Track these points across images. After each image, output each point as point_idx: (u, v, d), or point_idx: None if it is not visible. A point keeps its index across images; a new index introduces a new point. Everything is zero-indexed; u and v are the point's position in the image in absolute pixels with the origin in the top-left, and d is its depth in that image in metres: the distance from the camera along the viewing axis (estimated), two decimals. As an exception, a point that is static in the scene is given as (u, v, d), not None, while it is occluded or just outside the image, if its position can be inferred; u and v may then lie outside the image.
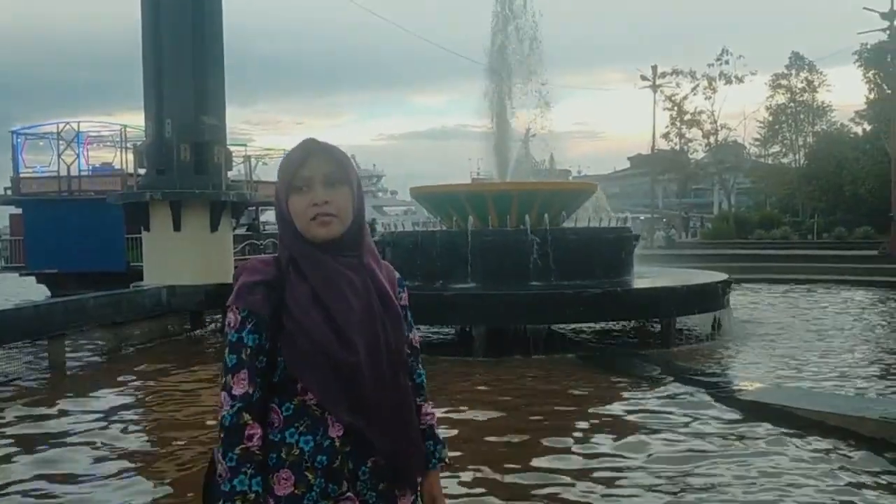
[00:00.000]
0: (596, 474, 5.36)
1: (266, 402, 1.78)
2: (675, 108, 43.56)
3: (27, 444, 6.40)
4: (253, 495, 1.71)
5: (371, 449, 1.77)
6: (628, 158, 71.19)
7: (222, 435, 1.75)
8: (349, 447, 1.76)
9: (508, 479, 5.28)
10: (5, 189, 23.39)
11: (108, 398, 8.28)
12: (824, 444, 5.80)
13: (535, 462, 5.63)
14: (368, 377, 1.75)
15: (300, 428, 1.75)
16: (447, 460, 2.04)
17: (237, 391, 1.74)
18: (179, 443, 6.45)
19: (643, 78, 43.15)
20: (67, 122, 23.18)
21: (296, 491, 1.73)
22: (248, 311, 1.76)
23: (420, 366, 2.03)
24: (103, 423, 7.12)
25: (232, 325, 1.78)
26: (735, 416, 6.75)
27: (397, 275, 1.99)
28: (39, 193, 22.59)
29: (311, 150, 1.83)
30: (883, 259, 23.42)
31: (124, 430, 6.89)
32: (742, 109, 48.57)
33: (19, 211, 22.89)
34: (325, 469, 1.74)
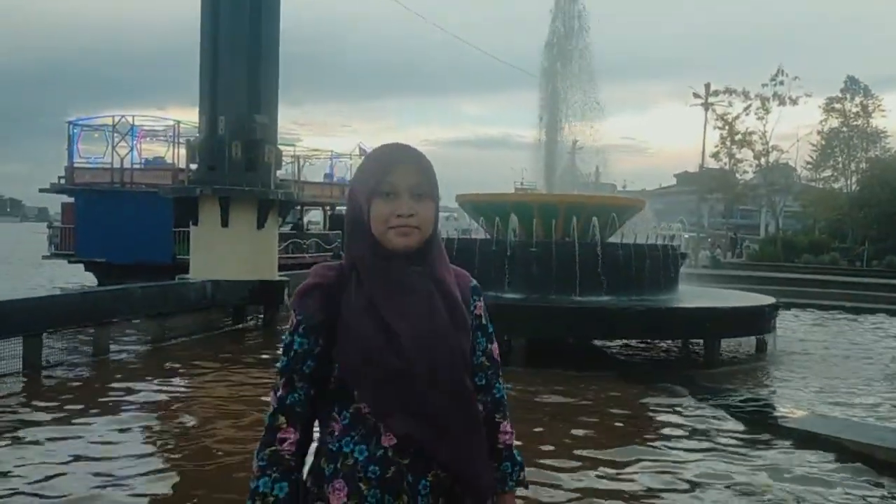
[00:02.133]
0: (630, 496, 5.29)
1: (314, 407, 1.76)
2: (727, 127, 42.98)
3: (66, 427, 6.52)
4: (272, 499, 1.70)
5: (431, 462, 1.72)
6: (675, 175, 70.48)
7: (262, 433, 1.76)
8: (407, 459, 1.70)
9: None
10: (59, 178, 23.88)
11: (149, 386, 8.41)
12: (871, 477, 5.66)
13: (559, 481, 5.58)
14: (423, 385, 1.70)
15: (355, 437, 1.72)
16: (526, 484, 1.96)
17: (280, 393, 1.75)
18: (211, 437, 6.51)
19: (696, 95, 42.70)
20: (122, 116, 23.62)
21: (349, 502, 1.69)
22: (303, 313, 1.76)
23: (500, 380, 1.94)
24: (142, 412, 7.23)
25: (290, 326, 1.78)
26: (777, 443, 6.62)
27: (473, 282, 1.93)
28: (92, 184, 23.02)
29: (400, 158, 1.79)
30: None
31: (162, 419, 6.99)
32: (795, 131, 47.77)
33: (72, 200, 23.37)
34: (378, 480, 1.69)
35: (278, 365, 1.78)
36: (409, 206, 1.75)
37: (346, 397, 1.74)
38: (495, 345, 1.94)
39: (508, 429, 1.93)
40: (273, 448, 1.72)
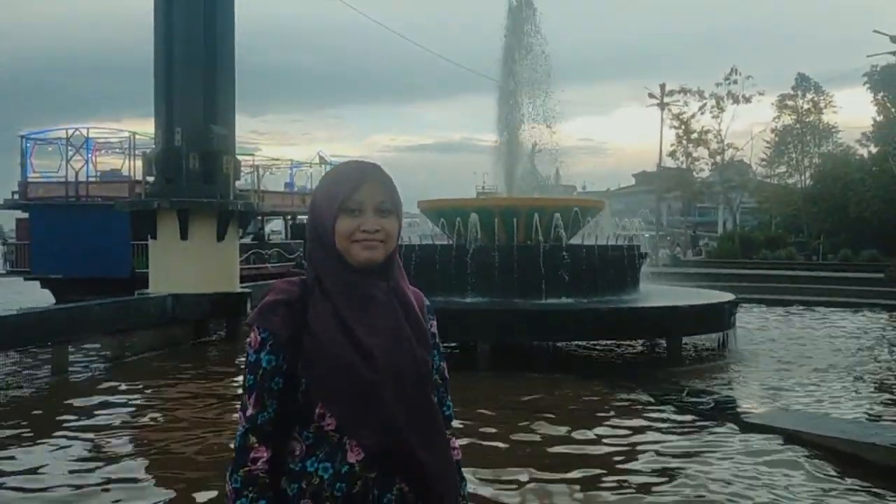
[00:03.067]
0: (598, 490, 5.32)
1: (283, 426, 1.75)
2: (683, 126, 43.60)
3: (24, 450, 6.38)
4: None
5: (396, 476, 1.73)
6: (633, 175, 71.28)
7: (233, 455, 1.74)
8: (374, 473, 1.71)
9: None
10: (13, 193, 23.40)
11: (108, 406, 8.26)
12: (832, 470, 5.75)
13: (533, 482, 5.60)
14: (392, 397, 1.71)
15: (320, 456, 1.72)
16: (468, 499, 1.98)
17: (248, 412, 1.73)
18: (176, 453, 6.42)
19: (651, 96, 43.27)
20: (76, 129, 23.23)
21: None
22: (268, 331, 1.74)
23: (449, 398, 1.98)
24: (100, 432, 7.09)
25: (252, 344, 1.76)
26: (741, 438, 6.71)
27: (427, 302, 1.96)
28: (46, 198, 22.62)
29: (366, 175, 1.81)
30: (890, 282, 23.32)
31: (119, 438, 6.87)
32: (749, 129, 48.63)
33: (26, 215, 22.92)
34: (345, 496, 1.70)
35: (245, 384, 1.76)
36: (375, 222, 1.78)
37: (308, 416, 1.73)
38: (445, 364, 1.97)
39: (456, 445, 1.96)
40: (246, 468, 1.71)
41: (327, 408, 1.72)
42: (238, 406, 1.79)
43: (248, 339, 1.79)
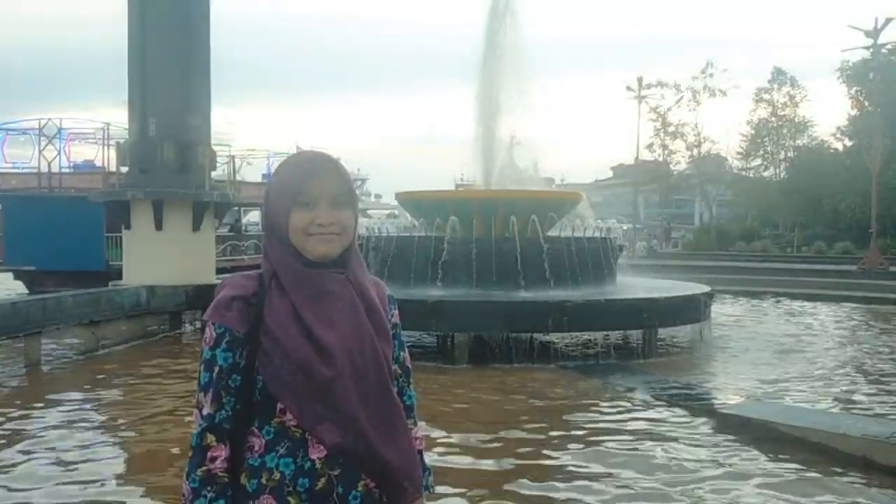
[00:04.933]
0: (576, 482, 5.34)
1: (241, 423, 1.71)
2: (660, 119, 43.81)
3: None
4: None
5: (360, 473, 1.71)
6: (611, 168, 71.51)
7: (189, 454, 1.71)
8: (337, 470, 1.69)
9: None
10: (-16, 184, 23.12)
11: (81, 398, 8.18)
12: (804, 460, 5.82)
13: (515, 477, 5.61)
14: (352, 393, 1.69)
15: (280, 451, 1.68)
16: (432, 489, 1.98)
17: (205, 411, 1.70)
18: (147, 446, 6.37)
19: (629, 89, 43.40)
20: (49, 119, 22.97)
21: None
22: (224, 327, 1.71)
23: (410, 387, 1.96)
24: (73, 423, 7.02)
25: (207, 341, 1.72)
26: (715, 429, 6.76)
27: (388, 292, 1.92)
28: (19, 189, 22.32)
29: (319, 168, 1.77)
30: (862, 274, 23.63)
31: (94, 430, 6.80)
32: (725, 122, 48.96)
33: (-2, 206, 22.60)
34: (308, 492, 1.66)
35: (200, 381, 1.72)
36: (330, 215, 1.74)
37: (269, 411, 1.70)
38: (407, 353, 1.96)
39: (418, 434, 1.94)
40: (205, 468, 1.67)
41: (285, 405, 1.68)
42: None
43: (203, 336, 1.76)
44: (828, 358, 10.92)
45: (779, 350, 11.53)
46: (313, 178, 1.75)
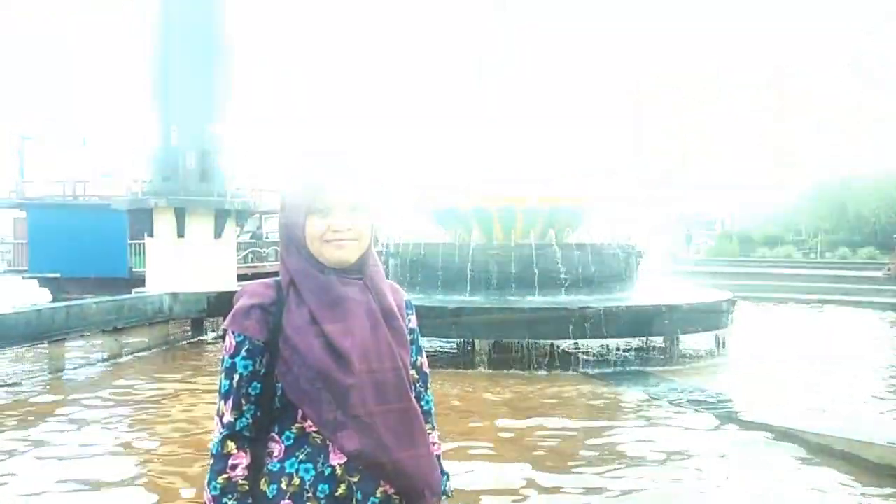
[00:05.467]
0: (602, 493, 5.31)
1: (262, 429, 1.72)
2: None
3: (22, 448, 6.36)
4: None
5: (379, 479, 1.70)
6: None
7: (210, 462, 1.71)
8: (356, 476, 1.69)
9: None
10: (10, 193, 23.37)
11: (105, 404, 8.24)
12: (829, 468, 5.75)
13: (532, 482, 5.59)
14: (371, 399, 1.69)
15: (300, 456, 1.69)
16: (451, 494, 1.97)
17: (226, 418, 1.70)
18: (168, 453, 6.41)
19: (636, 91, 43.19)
20: (74, 127, 23.21)
21: None
22: (243, 335, 1.71)
23: (428, 392, 1.95)
24: (98, 430, 7.08)
25: (227, 349, 1.73)
26: (738, 436, 6.70)
27: (406, 297, 1.92)
28: (43, 197, 22.59)
29: (334, 173, 1.77)
30: (887, 280, 23.30)
31: (114, 437, 6.85)
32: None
33: (23, 214, 22.89)
34: (328, 498, 1.67)
35: (221, 389, 1.73)
36: (345, 222, 1.73)
37: (290, 417, 1.71)
38: (425, 357, 1.95)
39: (436, 439, 1.93)
40: (225, 475, 1.68)
41: (305, 412, 1.69)
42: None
43: (224, 344, 1.77)
44: (854, 365, 10.77)
45: (803, 357, 11.40)
46: (328, 184, 1.75)
